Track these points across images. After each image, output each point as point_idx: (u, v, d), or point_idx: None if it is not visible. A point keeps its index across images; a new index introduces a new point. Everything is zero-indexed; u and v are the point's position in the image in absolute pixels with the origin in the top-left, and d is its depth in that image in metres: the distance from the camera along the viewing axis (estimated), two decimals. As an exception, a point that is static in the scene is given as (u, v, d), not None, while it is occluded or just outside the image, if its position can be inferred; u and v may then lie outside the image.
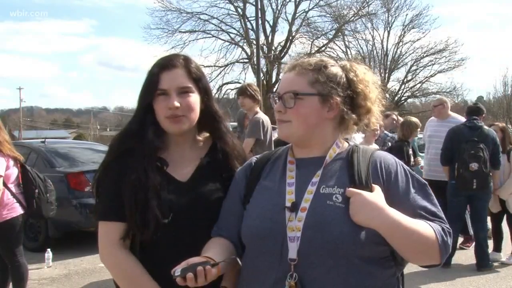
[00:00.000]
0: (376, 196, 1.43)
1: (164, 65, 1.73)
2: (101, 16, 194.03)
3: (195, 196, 1.70)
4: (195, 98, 1.75)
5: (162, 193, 1.66)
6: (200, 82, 1.78)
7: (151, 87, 1.72)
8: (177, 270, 1.38)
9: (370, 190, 1.45)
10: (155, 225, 1.63)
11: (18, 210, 4.45)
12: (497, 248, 6.32)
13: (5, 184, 4.36)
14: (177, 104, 1.69)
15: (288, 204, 1.49)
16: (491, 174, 5.83)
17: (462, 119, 6.95)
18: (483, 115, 6.27)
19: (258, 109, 5.80)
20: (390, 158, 1.57)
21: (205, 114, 1.81)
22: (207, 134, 1.88)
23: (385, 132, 7.55)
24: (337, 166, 1.54)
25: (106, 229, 1.70)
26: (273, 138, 5.90)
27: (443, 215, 1.52)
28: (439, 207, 1.53)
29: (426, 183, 1.56)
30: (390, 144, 7.18)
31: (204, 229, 1.66)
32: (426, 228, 1.44)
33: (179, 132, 1.75)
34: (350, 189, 1.44)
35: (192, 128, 1.79)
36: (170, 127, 1.73)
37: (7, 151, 4.36)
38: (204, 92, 1.80)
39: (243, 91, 5.82)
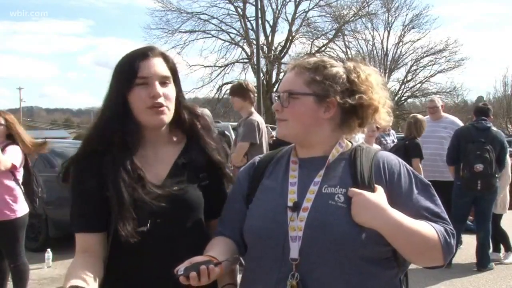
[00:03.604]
0: (378, 196, 1.42)
1: (143, 53, 1.64)
2: (97, 16, 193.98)
3: (170, 198, 1.59)
4: (173, 90, 1.67)
5: (135, 195, 1.55)
6: (176, 76, 1.71)
7: (129, 76, 1.60)
8: (180, 269, 1.38)
9: (372, 190, 1.44)
10: (131, 228, 1.54)
11: (26, 208, 4.54)
12: (497, 248, 6.32)
13: (17, 182, 4.46)
14: (160, 92, 1.60)
15: (290, 203, 1.49)
16: (497, 175, 5.77)
17: (454, 118, 6.98)
18: (491, 116, 6.22)
19: (252, 109, 5.39)
20: (393, 159, 1.56)
21: (179, 111, 1.72)
22: (181, 133, 1.76)
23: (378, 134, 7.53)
24: (340, 166, 1.53)
25: (77, 240, 1.63)
26: (271, 138, 5.74)
27: (446, 216, 1.51)
28: (443, 208, 1.52)
29: (430, 183, 1.55)
30: (387, 143, 7.17)
31: (180, 231, 1.61)
32: (428, 229, 1.44)
33: (160, 124, 1.64)
34: (352, 189, 1.44)
35: (166, 125, 1.69)
36: (152, 118, 1.61)
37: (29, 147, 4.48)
38: (179, 86, 1.73)
39: (236, 90, 5.38)
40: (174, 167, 1.68)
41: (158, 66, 1.64)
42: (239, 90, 5.34)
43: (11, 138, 4.44)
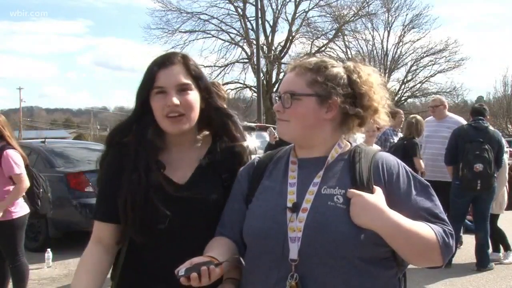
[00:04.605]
0: (377, 197, 1.43)
1: (162, 62, 1.68)
2: (96, 16, 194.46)
3: (193, 199, 1.65)
4: (194, 96, 1.69)
5: (160, 196, 1.62)
6: (200, 80, 1.73)
7: (148, 84, 1.67)
8: (181, 270, 1.38)
9: (371, 191, 1.45)
10: (151, 228, 1.62)
11: (26, 209, 4.52)
12: (496, 248, 6.32)
13: (14, 183, 4.42)
14: (176, 101, 1.63)
15: (289, 204, 1.49)
16: (495, 175, 5.80)
17: (460, 118, 6.98)
18: (487, 116, 6.26)
19: (224, 105, 5.57)
20: (392, 160, 1.56)
21: (206, 113, 1.76)
22: (207, 133, 1.83)
23: (388, 130, 7.54)
24: (339, 166, 1.53)
25: (95, 227, 1.72)
26: (275, 139, 5.74)
27: (445, 217, 1.51)
28: (442, 209, 1.52)
29: (429, 184, 1.55)
30: (392, 141, 7.19)
31: (201, 232, 1.64)
32: (427, 230, 1.44)
33: (179, 132, 1.69)
34: (351, 190, 1.44)
35: (192, 128, 1.73)
36: (169, 127, 1.67)
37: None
38: (205, 90, 1.75)
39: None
40: (198, 168, 1.73)
41: (176, 74, 1.67)
42: (215, 89, 5.37)
43: (4, 138, 4.38)
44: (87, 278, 1.63)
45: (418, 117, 6.68)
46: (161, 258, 1.65)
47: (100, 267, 1.66)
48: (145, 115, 1.70)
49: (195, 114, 1.71)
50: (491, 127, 6.05)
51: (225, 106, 5.86)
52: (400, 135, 7.91)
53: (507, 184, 6.56)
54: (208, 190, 1.69)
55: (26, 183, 4.35)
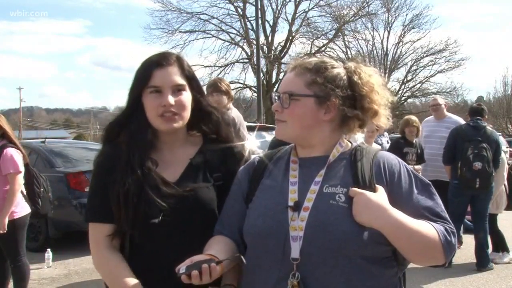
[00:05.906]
0: (379, 196, 1.43)
1: (158, 62, 1.69)
2: (95, 16, 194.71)
3: (184, 197, 1.66)
4: (188, 96, 1.73)
5: (152, 194, 1.63)
6: (193, 80, 1.76)
7: (142, 82, 1.68)
8: (182, 268, 1.38)
9: (374, 190, 1.45)
10: (144, 225, 1.62)
11: (27, 209, 4.52)
12: (496, 248, 6.32)
13: None
14: (172, 101, 1.66)
15: (290, 203, 1.49)
16: (493, 174, 5.81)
17: (458, 118, 7.00)
18: (485, 116, 6.27)
19: (230, 105, 5.21)
20: (393, 159, 1.57)
21: (197, 113, 1.77)
22: (198, 134, 1.84)
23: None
24: (340, 165, 1.53)
25: (92, 230, 1.70)
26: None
27: (447, 216, 1.51)
28: (443, 207, 1.53)
29: (430, 183, 1.55)
30: (382, 143, 7.24)
31: (193, 230, 1.65)
32: (429, 229, 1.44)
33: (172, 130, 1.71)
34: (354, 189, 1.44)
35: (183, 127, 1.76)
36: (162, 125, 1.69)
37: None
38: (197, 90, 1.77)
39: (217, 87, 5.00)
40: (188, 167, 1.74)
41: (172, 75, 1.69)
42: (224, 87, 5.10)
43: (5, 137, 4.39)
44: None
45: (407, 117, 6.73)
46: (159, 256, 1.65)
47: (125, 266, 1.63)
48: (135, 113, 1.71)
49: (187, 113, 1.73)
50: (488, 127, 6.07)
51: (231, 105, 5.60)
52: (386, 134, 7.98)
53: (506, 183, 6.57)
54: (199, 188, 1.70)
55: (19, 185, 4.32)
